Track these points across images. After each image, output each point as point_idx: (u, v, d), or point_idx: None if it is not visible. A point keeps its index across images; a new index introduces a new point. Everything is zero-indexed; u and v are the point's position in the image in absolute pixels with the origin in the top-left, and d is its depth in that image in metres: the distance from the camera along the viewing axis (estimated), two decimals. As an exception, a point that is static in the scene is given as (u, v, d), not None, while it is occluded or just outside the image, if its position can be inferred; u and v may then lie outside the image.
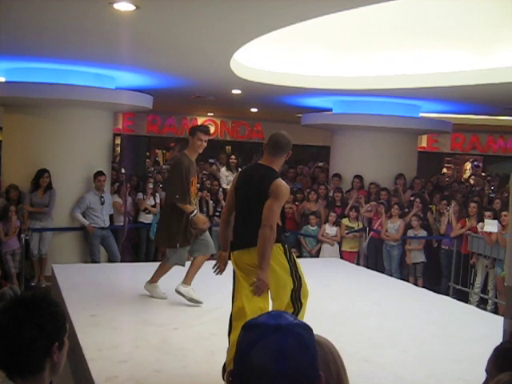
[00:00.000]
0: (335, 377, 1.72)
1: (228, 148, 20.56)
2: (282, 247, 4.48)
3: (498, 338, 4.07)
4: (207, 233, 6.73)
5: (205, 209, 11.00)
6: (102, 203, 9.70)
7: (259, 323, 1.47)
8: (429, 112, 13.69)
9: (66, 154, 9.81)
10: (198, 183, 7.29)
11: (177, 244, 6.48)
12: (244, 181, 4.66)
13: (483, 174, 19.94)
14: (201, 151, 6.63)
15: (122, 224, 10.27)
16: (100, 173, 9.67)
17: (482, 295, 9.36)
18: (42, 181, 9.48)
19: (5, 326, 1.97)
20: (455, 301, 7.70)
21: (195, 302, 6.48)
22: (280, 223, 4.49)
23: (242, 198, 4.62)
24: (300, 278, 4.54)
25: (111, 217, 10.21)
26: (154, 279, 6.79)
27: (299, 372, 1.42)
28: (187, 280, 6.53)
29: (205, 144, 6.53)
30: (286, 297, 4.49)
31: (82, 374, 5.02)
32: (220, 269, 4.98)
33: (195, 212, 6.40)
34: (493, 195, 12.19)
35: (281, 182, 4.44)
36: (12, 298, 2.07)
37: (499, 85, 8.26)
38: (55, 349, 2.02)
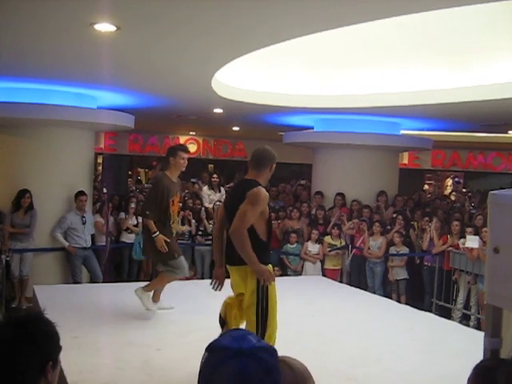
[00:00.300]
0: None
1: (210, 167, 20.60)
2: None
3: (480, 354, 4.09)
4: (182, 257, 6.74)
5: (189, 229, 10.98)
6: (84, 223, 9.65)
7: (222, 346, 1.47)
8: (409, 129, 13.82)
9: (47, 174, 9.77)
10: (179, 202, 7.30)
11: (175, 254, 6.51)
12: (230, 197, 4.78)
13: (464, 189, 20.12)
14: (183, 169, 6.65)
15: (103, 244, 10.22)
16: (81, 193, 9.64)
17: (464, 311, 9.41)
18: (23, 201, 9.43)
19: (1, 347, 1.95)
20: (438, 317, 7.72)
21: (148, 309, 6.60)
22: (265, 238, 4.50)
23: (229, 215, 4.65)
24: (267, 310, 4.49)
25: (93, 237, 10.15)
26: (148, 288, 6.74)
27: None
28: (149, 288, 6.63)
29: (186, 162, 6.55)
30: (252, 317, 4.49)
31: (63, 397, 4.95)
32: (219, 285, 4.97)
33: (157, 233, 6.44)
34: (474, 211, 12.30)
35: (260, 189, 4.43)
36: (6, 318, 2.06)
37: (478, 102, 8.36)
38: (49, 368, 2.00)
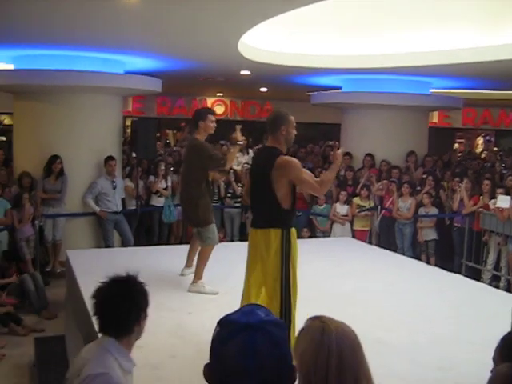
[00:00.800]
0: (335, 366, 1.73)
1: (239, 127, 20.54)
2: (280, 235, 4.48)
3: (509, 317, 4.08)
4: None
5: (216, 191, 11.02)
6: (114, 188, 9.76)
7: (231, 321, 1.54)
8: (439, 88, 13.59)
9: (76, 140, 9.87)
10: None
11: (213, 218, 6.46)
12: (253, 165, 4.81)
13: (495, 148, 19.81)
14: (212, 132, 6.61)
15: (134, 208, 10.33)
16: (110, 157, 9.72)
17: (494, 272, 9.36)
18: (54, 167, 9.55)
19: (109, 299, 2.67)
20: (467, 279, 7.68)
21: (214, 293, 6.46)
22: (288, 206, 4.53)
23: (252, 181, 4.74)
24: (289, 271, 4.51)
25: (123, 201, 10.27)
26: (197, 277, 6.52)
27: (268, 368, 1.48)
28: (198, 276, 6.46)
29: (215, 124, 6.52)
30: (273, 285, 4.52)
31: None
32: None
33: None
34: (505, 171, 12.14)
35: (284, 157, 4.46)
36: (112, 279, 2.73)
37: (510, 61, 8.17)
38: (142, 319, 2.71)
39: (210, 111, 6.65)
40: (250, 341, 1.48)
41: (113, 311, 2.65)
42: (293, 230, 4.58)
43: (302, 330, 1.79)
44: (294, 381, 1.56)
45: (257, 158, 4.84)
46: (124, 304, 2.64)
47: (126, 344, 2.68)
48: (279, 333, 1.53)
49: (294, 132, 4.66)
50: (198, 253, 6.63)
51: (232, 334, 1.51)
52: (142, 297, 2.73)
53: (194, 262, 6.94)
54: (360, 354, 1.77)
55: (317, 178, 11.20)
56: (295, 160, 4.55)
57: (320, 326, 1.75)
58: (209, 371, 1.55)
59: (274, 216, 4.51)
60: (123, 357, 2.64)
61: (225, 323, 1.56)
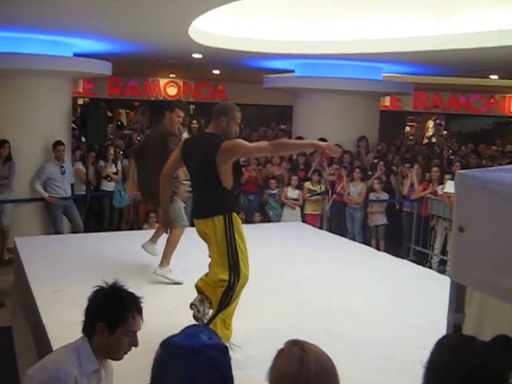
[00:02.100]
0: None
1: (192, 107, 20.40)
2: (223, 220, 4.50)
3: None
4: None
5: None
6: (63, 173, 9.60)
7: (174, 343, 1.55)
8: (391, 73, 13.73)
9: (24, 125, 9.66)
10: None
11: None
12: (190, 150, 4.72)
13: (445, 132, 20.18)
14: (177, 127, 6.49)
15: (83, 193, 10.20)
16: (59, 142, 9.55)
17: (441, 257, 9.57)
18: (1, 151, 9.35)
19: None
20: (415, 265, 7.82)
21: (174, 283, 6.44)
22: (230, 187, 4.52)
23: (192, 169, 4.74)
24: (237, 254, 4.54)
25: (72, 186, 10.12)
26: (165, 260, 6.40)
27: None
28: (165, 260, 6.37)
29: (181, 121, 6.45)
30: (221, 268, 4.54)
31: (45, 352, 5.04)
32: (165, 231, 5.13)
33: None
34: (452, 157, 12.39)
35: (227, 141, 4.47)
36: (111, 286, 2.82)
37: (459, 50, 8.31)
38: (112, 323, 2.70)
39: (181, 106, 6.49)
40: (191, 365, 1.49)
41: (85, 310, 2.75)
42: (235, 215, 4.60)
43: (280, 352, 1.75)
44: None
45: (196, 144, 4.70)
46: (91, 303, 2.74)
47: (95, 346, 2.68)
48: (221, 357, 1.54)
49: (236, 128, 4.66)
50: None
51: (173, 357, 1.52)
52: (115, 304, 2.75)
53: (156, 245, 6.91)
54: None
55: (268, 162, 11.20)
56: (237, 140, 4.58)
57: (299, 354, 1.70)
58: None
59: (217, 200, 4.51)
60: (86, 357, 2.64)
61: (167, 345, 1.56)
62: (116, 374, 3.06)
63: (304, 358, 1.68)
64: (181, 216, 6.45)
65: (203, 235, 4.69)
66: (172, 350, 1.53)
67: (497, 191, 2.03)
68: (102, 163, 10.70)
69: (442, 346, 2.13)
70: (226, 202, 4.56)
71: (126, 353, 2.73)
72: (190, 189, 10.50)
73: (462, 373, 1.50)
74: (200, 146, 4.61)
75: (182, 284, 6.33)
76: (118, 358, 2.73)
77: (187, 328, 1.60)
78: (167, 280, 6.33)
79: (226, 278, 4.52)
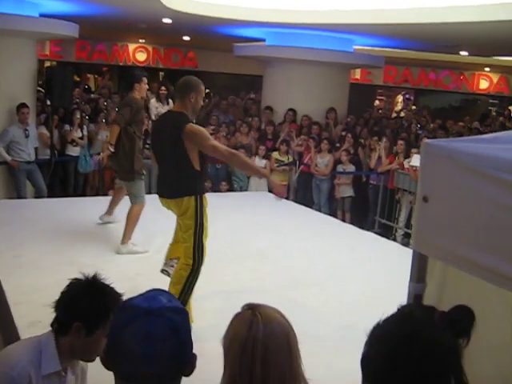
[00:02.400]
0: (296, 358, 1.71)
1: (161, 75, 20.13)
2: (194, 201, 4.48)
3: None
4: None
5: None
6: (27, 136, 9.39)
7: (132, 305, 1.51)
8: (362, 45, 13.69)
9: (-14, 86, 9.40)
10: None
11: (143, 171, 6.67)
12: (157, 131, 4.73)
13: (414, 107, 20.27)
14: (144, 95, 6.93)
15: (48, 157, 10.02)
16: (23, 105, 9.32)
17: (406, 230, 9.66)
18: (-39, 112, 9.10)
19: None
20: (379, 237, 7.90)
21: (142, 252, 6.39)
22: (199, 167, 4.50)
23: (158, 149, 4.70)
24: (202, 236, 4.55)
25: (36, 150, 9.92)
26: (126, 237, 6.38)
27: (165, 355, 1.47)
28: (127, 236, 6.37)
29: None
30: (189, 240, 4.54)
31: (5, 318, 4.97)
32: None
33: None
34: (420, 131, 12.46)
35: (192, 126, 4.43)
36: (86, 279, 2.41)
37: (432, 24, 8.30)
38: (85, 324, 2.33)
39: (145, 74, 6.86)
40: (149, 326, 1.46)
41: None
42: (205, 196, 4.58)
43: (235, 317, 1.75)
44: (193, 369, 1.55)
45: (162, 123, 4.70)
46: (67, 298, 2.38)
47: (66, 345, 2.34)
48: (180, 320, 1.51)
49: (201, 102, 4.67)
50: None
51: (131, 318, 1.48)
52: (108, 300, 2.35)
53: (115, 212, 6.90)
54: (291, 356, 1.71)
55: (236, 131, 11.16)
56: (202, 129, 4.52)
57: (249, 318, 1.69)
58: (106, 356, 1.53)
59: (189, 181, 4.47)
60: (48, 357, 2.32)
61: (126, 307, 1.53)
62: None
63: (253, 322, 1.68)
64: (143, 192, 6.57)
65: (174, 213, 4.68)
66: (130, 312, 1.50)
67: (462, 161, 2.02)
68: (67, 127, 10.51)
69: (399, 315, 2.13)
70: (197, 184, 4.53)
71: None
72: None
73: (404, 334, 1.50)
74: (168, 125, 4.54)
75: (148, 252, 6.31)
76: (91, 360, 2.40)
77: (147, 291, 1.57)
78: (134, 254, 6.30)
79: (190, 261, 4.51)
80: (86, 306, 2.31)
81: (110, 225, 7.08)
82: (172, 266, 4.84)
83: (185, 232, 4.57)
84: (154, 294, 1.55)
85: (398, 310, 2.16)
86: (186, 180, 4.47)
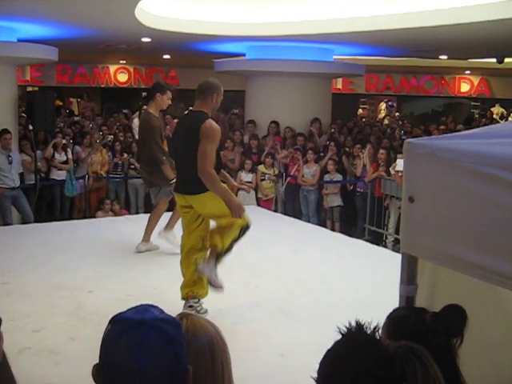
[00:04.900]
0: (220, 366, 1.72)
1: (144, 95, 20.12)
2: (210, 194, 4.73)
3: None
4: None
5: (120, 162, 10.84)
6: (10, 162, 9.30)
7: (124, 318, 1.47)
8: (342, 55, 13.75)
9: (-33, 113, 9.34)
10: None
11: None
12: (178, 130, 5.00)
13: (397, 114, 20.37)
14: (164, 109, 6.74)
15: (33, 182, 9.94)
16: (5, 131, 9.25)
17: (396, 236, 9.64)
18: None
19: None
20: (370, 245, 7.88)
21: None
22: (213, 168, 4.68)
23: (178, 148, 4.93)
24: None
25: (22, 175, 9.84)
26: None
27: (160, 367, 1.42)
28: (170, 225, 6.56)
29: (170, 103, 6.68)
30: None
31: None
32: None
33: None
34: (404, 137, 12.48)
35: (212, 123, 4.69)
36: None
37: (409, 29, 8.35)
38: None
39: (172, 87, 6.76)
40: (144, 337, 1.42)
41: None
42: None
43: None
44: (188, 383, 1.51)
45: (184, 122, 4.96)
46: None
47: None
48: (174, 331, 1.47)
49: (219, 103, 4.96)
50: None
51: (124, 330, 1.44)
52: None
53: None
54: (214, 363, 1.73)
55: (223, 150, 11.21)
56: (216, 128, 4.72)
57: None
58: (97, 372, 1.47)
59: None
60: None
61: (117, 320, 1.48)
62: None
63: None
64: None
65: (187, 209, 4.89)
66: (122, 324, 1.45)
67: (445, 158, 1.99)
68: (50, 151, 10.42)
69: (391, 319, 2.11)
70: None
71: None
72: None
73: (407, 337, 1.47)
74: (188, 123, 4.82)
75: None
76: None
77: (137, 306, 1.53)
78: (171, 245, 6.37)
79: (244, 222, 4.78)
80: None
81: (98, 248, 7.00)
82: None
83: (218, 217, 4.79)
84: (146, 306, 1.51)
85: (392, 315, 2.13)
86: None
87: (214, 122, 4.73)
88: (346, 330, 1.51)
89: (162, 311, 1.51)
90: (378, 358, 1.42)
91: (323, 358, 1.51)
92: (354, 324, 1.51)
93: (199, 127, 4.60)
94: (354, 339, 1.47)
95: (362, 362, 1.41)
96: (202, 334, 1.73)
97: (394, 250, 8.32)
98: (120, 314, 1.51)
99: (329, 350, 1.51)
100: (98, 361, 1.51)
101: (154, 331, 1.43)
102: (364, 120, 18.91)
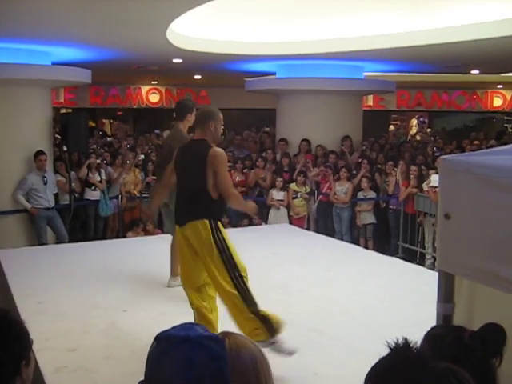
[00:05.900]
0: None
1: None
2: (209, 226, 4.46)
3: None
4: None
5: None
6: (45, 183, 9.47)
7: (170, 335, 1.49)
8: (372, 72, 13.73)
9: (4, 135, 9.54)
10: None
11: None
12: (181, 158, 4.81)
13: (429, 129, 20.20)
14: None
15: (67, 203, 10.08)
16: (40, 152, 9.43)
17: (433, 254, 9.48)
18: (-19, 163, 9.21)
19: None
20: (405, 262, 7.78)
21: None
22: (216, 196, 4.52)
23: (180, 176, 4.79)
24: (231, 254, 4.47)
25: (56, 196, 9.99)
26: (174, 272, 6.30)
27: (205, 381, 1.43)
28: (175, 271, 6.21)
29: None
30: (221, 277, 4.44)
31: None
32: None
33: None
34: (438, 153, 12.37)
35: (215, 149, 4.58)
36: None
37: (441, 45, 8.31)
38: (23, 367, 1.94)
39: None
40: (189, 354, 1.44)
41: None
42: (219, 223, 4.56)
43: None
44: None
45: (185, 151, 4.80)
46: None
47: None
48: (218, 348, 1.49)
49: (221, 130, 4.80)
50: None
51: (170, 347, 1.46)
52: (18, 341, 1.94)
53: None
54: (258, 380, 1.72)
55: (253, 166, 11.22)
56: (224, 155, 4.68)
57: None
58: None
59: (203, 206, 4.51)
60: None
61: (163, 338, 1.50)
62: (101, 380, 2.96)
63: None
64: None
65: (185, 245, 4.62)
66: (168, 341, 1.47)
67: (481, 174, 1.97)
68: (84, 172, 10.58)
69: (429, 337, 2.07)
70: (212, 209, 4.55)
71: None
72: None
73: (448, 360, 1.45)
74: (189, 152, 4.70)
75: None
76: None
77: (181, 324, 1.54)
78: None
79: (235, 292, 4.44)
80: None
81: (132, 267, 7.03)
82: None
83: (212, 264, 4.47)
84: (189, 324, 1.54)
85: (430, 333, 2.10)
86: (200, 205, 4.53)
87: (217, 148, 4.64)
88: (394, 345, 1.49)
89: (205, 329, 1.54)
90: (427, 375, 1.40)
91: (370, 372, 1.50)
92: (401, 340, 1.49)
93: (206, 155, 4.49)
94: (406, 354, 1.45)
95: (414, 377, 1.40)
96: (245, 352, 1.73)
97: (432, 269, 8.20)
98: (165, 331, 1.53)
99: (376, 364, 1.50)
100: (135, 378, 1.53)
101: (199, 348, 1.45)
102: (394, 136, 18.77)
